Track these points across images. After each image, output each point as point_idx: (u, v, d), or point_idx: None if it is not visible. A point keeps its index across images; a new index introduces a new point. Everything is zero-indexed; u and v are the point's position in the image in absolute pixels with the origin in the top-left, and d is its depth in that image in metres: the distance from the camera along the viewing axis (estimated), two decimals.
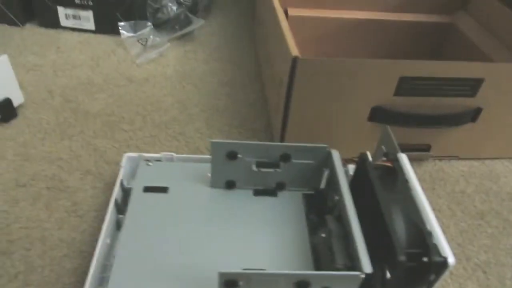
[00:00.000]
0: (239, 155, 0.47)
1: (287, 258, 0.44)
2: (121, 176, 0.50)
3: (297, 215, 0.48)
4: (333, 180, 0.46)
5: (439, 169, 0.65)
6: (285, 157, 0.48)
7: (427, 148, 0.64)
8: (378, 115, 0.58)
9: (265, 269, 0.42)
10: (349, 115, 0.58)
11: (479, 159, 0.67)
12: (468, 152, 0.66)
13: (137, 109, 0.70)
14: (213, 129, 0.67)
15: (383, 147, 0.47)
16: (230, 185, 0.50)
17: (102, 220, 0.51)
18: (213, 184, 0.50)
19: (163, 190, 0.50)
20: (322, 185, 0.51)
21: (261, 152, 0.48)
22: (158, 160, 0.54)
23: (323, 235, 0.47)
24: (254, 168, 0.48)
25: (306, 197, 0.51)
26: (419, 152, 0.64)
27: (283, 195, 0.51)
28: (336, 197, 0.45)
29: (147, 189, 0.50)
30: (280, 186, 0.51)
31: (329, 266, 0.42)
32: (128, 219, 0.46)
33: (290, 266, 0.43)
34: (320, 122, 0.58)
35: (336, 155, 0.47)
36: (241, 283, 0.35)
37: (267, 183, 0.50)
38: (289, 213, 0.48)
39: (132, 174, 0.53)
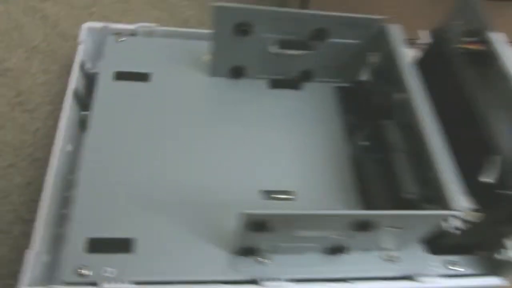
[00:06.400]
0: (253, 29, 0.34)
1: (321, 176, 0.34)
2: (80, 55, 0.39)
3: (327, 114, 0.39)
4: (390, 70, 0.34)
5: None
6: (320, 34, 0.35)
7: None
8: None
9: (293, 191, 0.33)
10: None
11: None
12: None
13: None
14: None
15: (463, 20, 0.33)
16: (237, 72, 0.39)
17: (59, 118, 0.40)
18: (214, 71, 0.39)
19: (143, 77, 0.39)
20: (364, 76, 0.39)
21: (285, 25, 0.35)
22: (133, 34, 0.42)
23: (366, 143, 0.36)
24: (273, 49, 0.36)
25: (340, 91, 0.41)
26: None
27: (308, 87, 0.40)
28: (398, 95, 0.32)
29: (120, 76, 0.39)
30: (306, 76, 0.40)
31: (381, 190, 0.33)
32: (95, 118, 0.36)
33: (327, 188, 0.34)
34: None
35: (396, 33, 0.33)
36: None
37: (288, 72, 0.40)
38: (317, 112, 0.39)
39: (98, 54, 0.42)
